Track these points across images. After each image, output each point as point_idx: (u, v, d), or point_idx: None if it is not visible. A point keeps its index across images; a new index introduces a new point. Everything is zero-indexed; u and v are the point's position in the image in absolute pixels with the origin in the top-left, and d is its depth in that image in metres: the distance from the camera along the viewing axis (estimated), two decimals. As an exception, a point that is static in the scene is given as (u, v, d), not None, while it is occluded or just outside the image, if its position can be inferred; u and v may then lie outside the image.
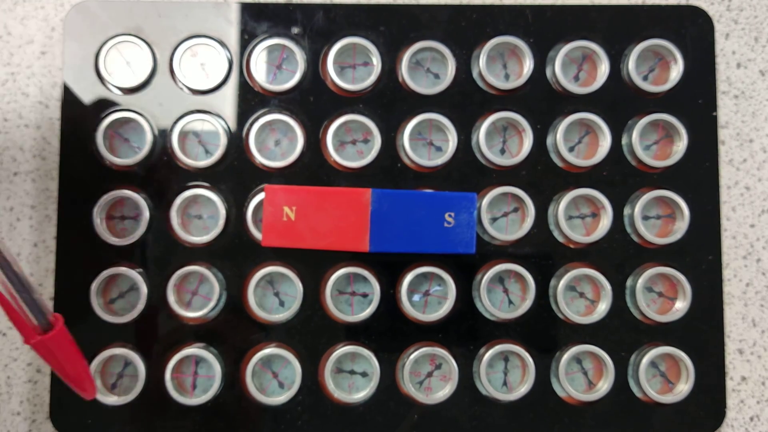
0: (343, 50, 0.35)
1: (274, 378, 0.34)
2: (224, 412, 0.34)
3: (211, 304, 0.33)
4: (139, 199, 0.34)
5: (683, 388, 0.34)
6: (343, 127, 0.34)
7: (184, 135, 0.35)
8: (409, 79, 0.34)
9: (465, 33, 0.35)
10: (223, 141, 0.34)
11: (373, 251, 0.33)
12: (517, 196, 0.34)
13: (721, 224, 0.35)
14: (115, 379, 0.34)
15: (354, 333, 0.34)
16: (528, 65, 0.34)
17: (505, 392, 0.34)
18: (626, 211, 0.34)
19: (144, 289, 0.33)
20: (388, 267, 0.34)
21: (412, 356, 0.33)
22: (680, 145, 0.34)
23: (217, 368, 0.33)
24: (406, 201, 0.33)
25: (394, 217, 0.33)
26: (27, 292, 0.24)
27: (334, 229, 0.32)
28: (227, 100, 0.35)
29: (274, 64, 0.35)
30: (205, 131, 0.35)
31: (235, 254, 0.34)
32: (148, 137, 0.34)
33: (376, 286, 0.33)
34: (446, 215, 0.33)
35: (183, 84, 0.35)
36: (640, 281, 0.34)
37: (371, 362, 0.33)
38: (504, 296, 0.34)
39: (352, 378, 0.34)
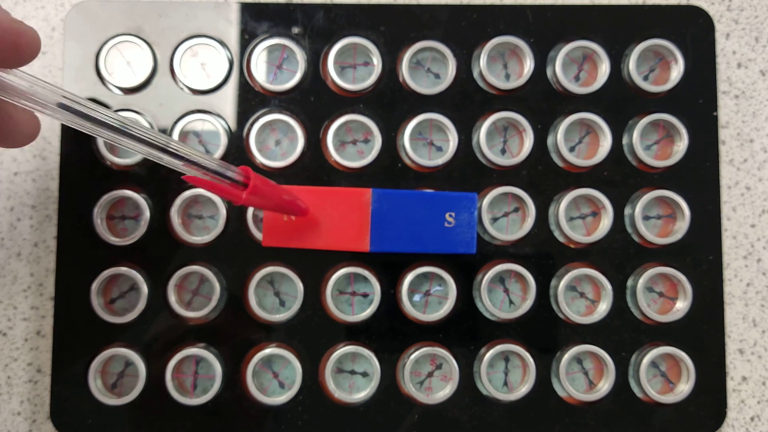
0: (344, 50, 0.35)
1: (275, 378, 0.34)
2: (224, 412, 0.34)
3: (212, 304, 0.33)
4: (139, 199, 0.34)
5: (684, 388, 0.34)
6: (344, 127, 0.34)
7: (184, 135, 0.35)
8: (409, 79, 0.34)
9: (465, 33, 0.35)
10: (223, 141, 0.34)
11: (373, 251, 0.33)
12: (517, 196, 0.34)
13: (721, 224, 0.35)
14: (115, 379, 0.34)
15: (354, 333, 0.34)
16: (528, 65, 0.34)
17: (505, 392, 0.34)
18: (627, 211, 0.34)
19: (144, 289, 0.33)
20: (389, 267, 0.34)
21: (413, 356, 0.33)
22: (681, 145, 0.34)
23: (217, 368, 0.33)
24: (406, 201, 0.33)
25: (394, 217, 0.32)
26: (216, 169, 0.26)
27: (335, 229, 0.32)
28: (228, 100, 0.35)
29: (275, 64, 0.35)
30: (205, 131, 0.35)
31: (235, 254, 0.34)
32: (149, 137, 0.34)
33: (377, 286, 0.33)
34: (447, 215, 0.33)
35: (183, 84, 0.35)
36: (641, 281, 0.34)
37: (372, 362, 0.33)
38: (504, 296, 0.34)
39: (353, 378, 0.34)
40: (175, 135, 0.34)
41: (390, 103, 0.34)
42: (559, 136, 0.34)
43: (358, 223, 0.32)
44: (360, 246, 0.32)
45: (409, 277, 0.33)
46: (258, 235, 0.34)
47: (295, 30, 0.35)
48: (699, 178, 0.35)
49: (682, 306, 0.34)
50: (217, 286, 0.33)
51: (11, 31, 0.22)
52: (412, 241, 0.33)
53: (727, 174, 0.35)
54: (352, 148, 0.35)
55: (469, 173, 0.34)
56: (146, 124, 0.34)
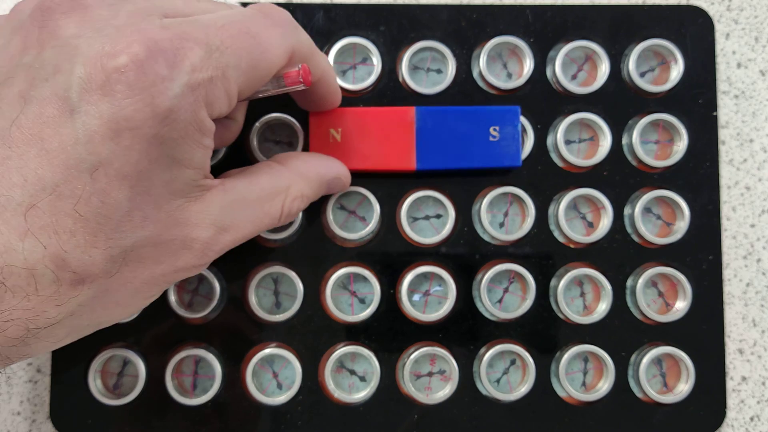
0: (343, 50, 0.35)
1: (274, 378, 0.34)
2: (224, 412, 0.34)
3: (212, 304, 0.33)
4: (139, 199, 0.34)
5: (683, 388, 0.34)
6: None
7: (184, 135, 0.34)
8: (409, 79, 0.34)
9: (465, 33, 0.35)
10: (223, 141, 0.34)
11: (420, 169, 0.33)
12: (517, 196, 0.34)
13: (721, 224, 0.35)
14: (115, 379, 0.34)
15: (354, 333, 0.34)
16: (528, 65, 0.34)
17: (505, 392, 0.34)
18: (626, 211, 0.34)
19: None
20: (388, 267, 0.34)
21: (413, 356, 0.33)
22: (680, 145, 0.34)
23: (217, 368, 0.33)
24: (450, 117, 0.33)
25: (439, 133, 0.33)
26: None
27: (381, 148, 0.33)
28: (227, 100, 0.35)
29: (275, 64, 0.35)
30: (205, 131, 0.34)
31: (235, 254, 0.34)
32: (148, 137, 0.34)
33: (376, 286, 0.33)
34: (491, 129, 0.33)
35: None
36: (641, 281, 0.34)
37: (371, 362, 0.33)
38: (504, 296, 0.34)
39: (352, 378, 0.34)
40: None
41: (390, 103, 0.34)
42: (559, 136, 0.34)
43: (403, 141, 0.32)
44: (407, 164, 0.33)
45: (408, 277, 0.33)
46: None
47: (295, 30, 0.35)
48: (699, 178, 0.35)
49: (681, 306, 0.34)
50: (217, 286, 0.33)
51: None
52: (457, 156, 0.33)
53: (726, 174, 0.35)
54: (351, 148, 0.35)
55: (468, 173, 0.34)
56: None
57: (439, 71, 0.35)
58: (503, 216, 0.34)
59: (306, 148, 0.34)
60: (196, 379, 0.34)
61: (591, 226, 0.35)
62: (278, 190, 0.28)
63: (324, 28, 0.35)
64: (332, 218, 0.33)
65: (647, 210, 0.34)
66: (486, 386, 0.33)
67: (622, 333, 0.34)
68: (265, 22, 0.25)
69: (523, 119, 0.34)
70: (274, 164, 0.29)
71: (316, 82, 0.30)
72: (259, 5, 0.27)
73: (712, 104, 0.35)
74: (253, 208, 0.27)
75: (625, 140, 0.35)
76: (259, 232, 0.27)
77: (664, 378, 0.34)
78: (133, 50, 0.22)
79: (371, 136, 0.33)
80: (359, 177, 0.33)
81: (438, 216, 0.34)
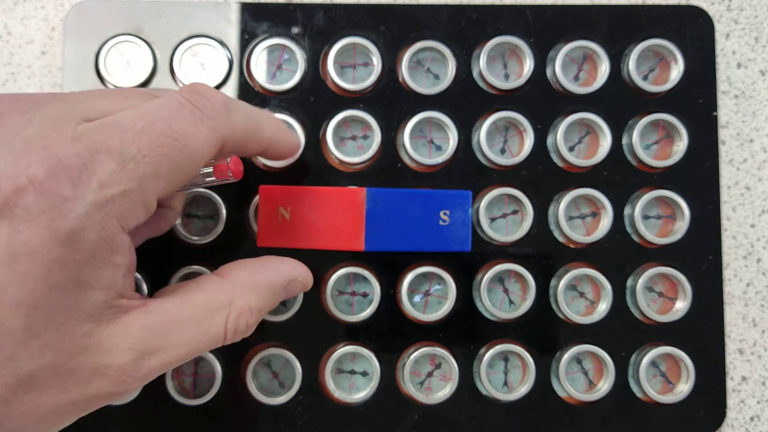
0: (344, 50, 0.35)
1: (274, 378, 0.34)
2: (224, 412, 0.34)
3: (211, 304, 0.33)
4: (139, 199, 0.34)
5: (683, 388, 0.34)
6: (342, 124, 0.34)
7: (184, 135, 0.34)
8: (409, 79, 0.34)
9: (465, 33, 0.35)
10: (223, 141, 0.34)
11: (368, 250, 0.32)
12: (517, 196, 0.34)
13: (721, 224, 0.35)
14: (115, 379, 0.34)
15: (354, 333, 0.34)
16: (528, 65, 0.34)
17: (505, 392, 0.34)
18: (626, 211, 0.34)
19: (144, 289, 0.33)
20: (388, 267, 0.34)
21: (413, 356, 0.33)
22: (680, 145, 0.34)
23: (217, 368, 0.33)
24: (400, 199, 0.33)
25: (389, 215, 0.32)
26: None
27: (330, 228, 0.32)
28: (227, 100, 0.35)
29: (275, 64, 0.35)
30: (205, 131, 0.34)
31: (235, 254, 0.34)
32: (148, 137, 0.34)
33: (376, 286, 0.33)
34: (441, 213, 0.33)
35: (183, 84, 0.35)
36: (641, 281, 0.34)
37: (371, 362, 0.33)
38: (504, 296, 0.34)
39: (353, 378, 0.34)
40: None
41: (390, 103, 0.34)
42: (559, 136, 0.34)
43: (352, 222, 0.32)
44: (355, 245, 0.32)
45: (408, 277, 0.33)
46: (258, 235, 0.34)
47: (295, 30, 0.35)
48: (699, 178, 0.35)
49: (681, 306, 0.34)
50: (217, 286, 0.33)
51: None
52: (406, 239, 0.33)
53: (726, 174, 0.35)
54: (351, 143, 0.35)
55: (468, 173, 0.34)
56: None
57: (437, 75, 0.35)
58: (503, 216, 0.34)
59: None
60: (196, 379, 0.34)
61: (591, 224, 0.35)
62: (218, 306, 0.26)
63: (324, 28, 0.35)
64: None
65: (647, 210, 0.34)
66: (486, 386, 0.33)
67: (622, 333, 0.34)
68: (192, 118, 0.24)
69: (523, 119, 0.34)
70: (214, 277, 0.27)
71: (265, 150, 0.28)
72: (190, 90, 0.25)
73: (712, 104, 0.35)
74: (187, 328, 0.25)
75: (625, 140, 0.35)
76: (200, 353, 0.25)
77: (665, 378, 0.34)
78: (32, 171, 0.21)
79: (321, 215, 0.32)
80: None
81: (438, 216, 0.34)
